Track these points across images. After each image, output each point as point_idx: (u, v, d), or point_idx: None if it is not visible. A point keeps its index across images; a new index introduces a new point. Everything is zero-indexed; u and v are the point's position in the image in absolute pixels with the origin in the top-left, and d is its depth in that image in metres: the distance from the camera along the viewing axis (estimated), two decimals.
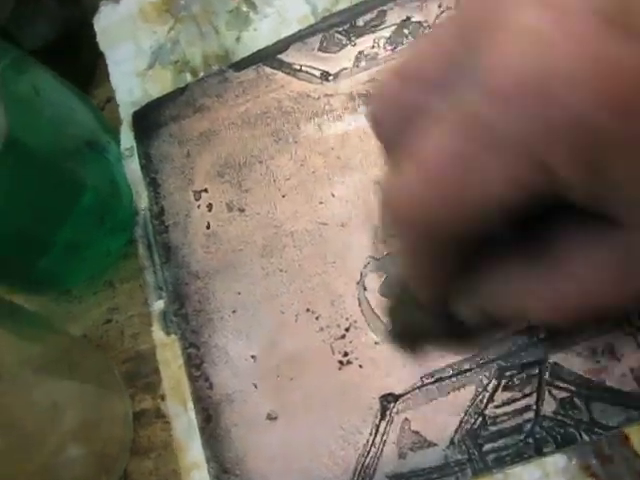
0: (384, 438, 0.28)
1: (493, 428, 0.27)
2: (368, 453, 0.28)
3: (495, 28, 0.16)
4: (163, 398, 0.31)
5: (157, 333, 0.32)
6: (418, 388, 0.28)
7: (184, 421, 0.30)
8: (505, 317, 0.21)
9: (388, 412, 0.28)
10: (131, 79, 0.35)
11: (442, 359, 0.28)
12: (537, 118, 0.16)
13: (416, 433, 0.27)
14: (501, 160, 0.16)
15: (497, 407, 0.27)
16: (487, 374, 0.27)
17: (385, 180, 0.19)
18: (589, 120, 0.15)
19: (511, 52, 0.16)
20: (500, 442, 0.27)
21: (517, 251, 0.19)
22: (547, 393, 0.26)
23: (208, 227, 0.32)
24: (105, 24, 0.36)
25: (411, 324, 0.22)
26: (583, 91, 0.15)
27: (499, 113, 0.16)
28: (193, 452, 0.30)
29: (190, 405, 0.30)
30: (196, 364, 0.31)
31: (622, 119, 0.15)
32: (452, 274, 0.20)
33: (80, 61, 0.36)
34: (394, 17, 0.32)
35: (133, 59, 0.35)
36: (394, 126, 0.19)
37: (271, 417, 0.29)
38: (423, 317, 0.22)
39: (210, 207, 0.32)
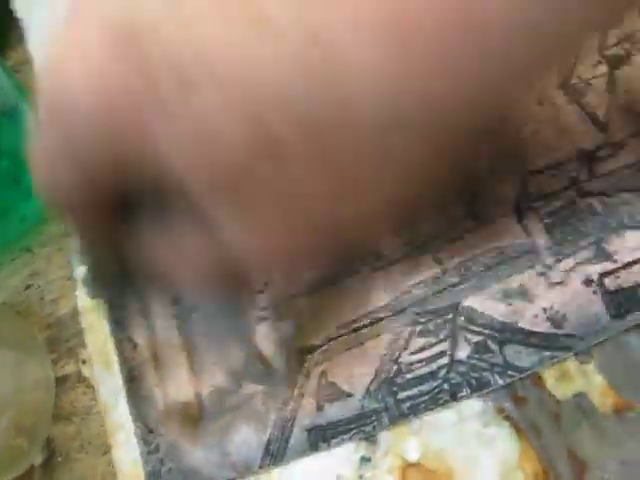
0: (302, 391, 0.27)
1: (408, 375, 0.26)
2: (286, 407, 0.27)
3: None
4: (84, 362, 0.31)
5: (82, 298, 0.31)
6: (334, 339, 0.27)
7: (109, 384, 0.30)
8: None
9: (305, 364, 0.27)
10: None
11: (357, 310, 0.27)
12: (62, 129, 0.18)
13: (333, 384, 0.27)
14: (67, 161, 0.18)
15: (412, 354, 0.27)
16: (402, 321, 0.27)
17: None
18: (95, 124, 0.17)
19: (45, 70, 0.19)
20: (415, 389, 0.26)
21: (150, 217, 0.20)
22: (461, 337, 0.26)
23: None
24: None
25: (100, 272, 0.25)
26: (88, 105, 0.17)
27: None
28: (118, 413, 0.30)
29: (115, 367, 0.30)
30: (121, 326, 0.30)
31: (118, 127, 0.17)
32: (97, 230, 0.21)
33: None
34: None
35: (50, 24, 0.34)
36: None
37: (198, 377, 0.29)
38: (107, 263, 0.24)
39: None
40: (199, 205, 0.18)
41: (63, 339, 0.32)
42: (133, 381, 0.30)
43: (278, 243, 0.19)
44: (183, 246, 0.20)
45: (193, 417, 0.28)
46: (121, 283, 0.25)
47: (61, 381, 0.31)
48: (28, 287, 0.33)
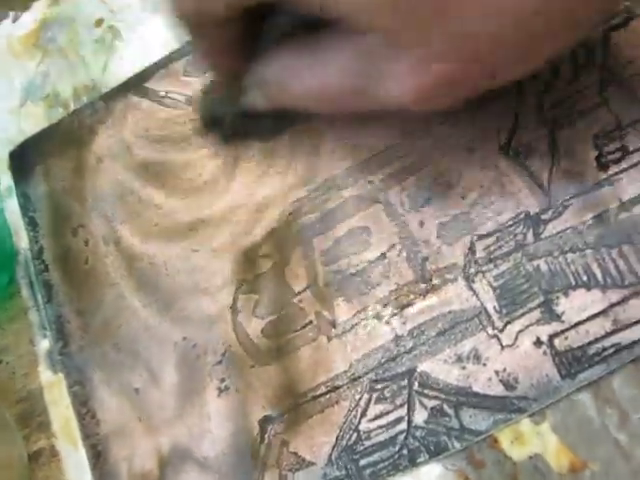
0: (264, 461, 0.28)
1: (368, 442, 0.27)
2: (250, 478, 0.28)
3: None
4: (56, 436, 0.31)
5: (44, 373, 0.32)
6: (294, 409, 0.28)
7: (75, 460, 0.30)
8: (281, 101, 0.25)
9: (266, 435, 0.28)
10: (5, 117, 0.35)
11: (315, 378, 0.28)
12: None
13: (294, 454, 0.27)
14: None
15: (370, 421, 0.27)
16: (359, 389, 0.27)
17: None
18: None
19: None
20: (375, 456, 0.27)
21: (295, 44, 0.23)
22: (417, 403, 0.27)
23: (86, 262, 0.32)
24: None
25: (214, 111, 0.29)
26: None
27: None
28: None
29: (80, 443, 0.30)
30: (82, 401, 0.31)
31: None
32: (232, 55, 0.25)
33: None
34: None
35: (5, 97, 0.35)
36: None
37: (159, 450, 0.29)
38: (223, 105, 0.28)
39: (87, 242, 0.32)
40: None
41: (35, 413, 0.32)
42: (98, 457, 0.30)
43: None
44: (326, 64, 0.22)
45: None
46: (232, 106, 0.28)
47: (35, 456, 0.32)
48: None
